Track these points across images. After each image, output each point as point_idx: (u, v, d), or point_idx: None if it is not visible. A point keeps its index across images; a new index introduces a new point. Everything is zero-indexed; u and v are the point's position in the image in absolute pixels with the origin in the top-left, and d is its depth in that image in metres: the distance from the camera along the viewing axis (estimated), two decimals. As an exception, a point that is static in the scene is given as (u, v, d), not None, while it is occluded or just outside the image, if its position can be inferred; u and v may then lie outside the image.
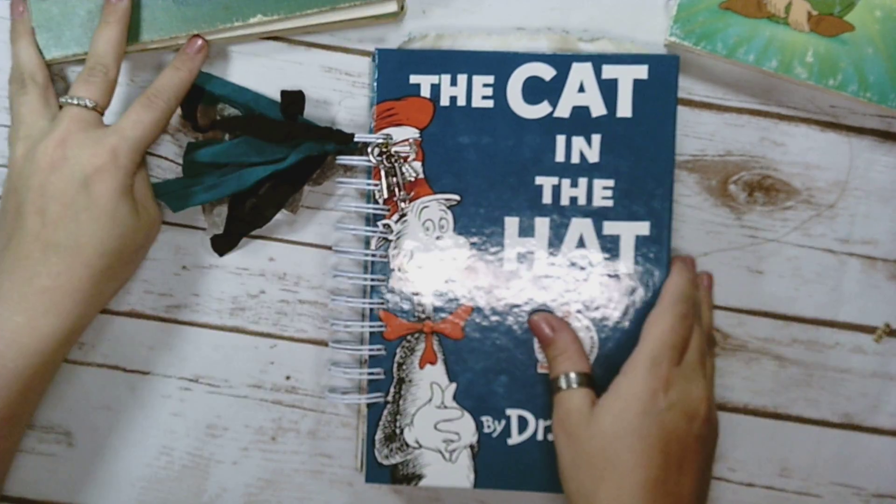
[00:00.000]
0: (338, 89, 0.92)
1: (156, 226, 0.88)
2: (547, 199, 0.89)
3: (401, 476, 0.90)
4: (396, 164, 0.88)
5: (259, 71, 0.92)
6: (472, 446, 0.90)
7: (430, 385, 0.90)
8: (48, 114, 0.85)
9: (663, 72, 0.88)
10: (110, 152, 0.81)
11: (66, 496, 0.92)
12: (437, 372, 0.90)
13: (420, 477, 0.90)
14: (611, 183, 0.88)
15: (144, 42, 0.89)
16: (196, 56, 0.88)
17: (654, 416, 0.80)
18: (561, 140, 0.89)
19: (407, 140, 0.89)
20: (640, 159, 0.88)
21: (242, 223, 0.89)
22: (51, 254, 0.80)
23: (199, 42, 0.88)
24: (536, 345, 0.89)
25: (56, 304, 0.80)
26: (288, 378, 0.93)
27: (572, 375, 0.85)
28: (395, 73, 0.89)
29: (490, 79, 0.89)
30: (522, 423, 0.90)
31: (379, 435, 0.90)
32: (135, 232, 0.84)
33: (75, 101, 0.83)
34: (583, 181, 0.89)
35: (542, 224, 0.89)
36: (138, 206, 0.84)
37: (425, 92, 0.89)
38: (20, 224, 0.82)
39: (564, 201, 0.89)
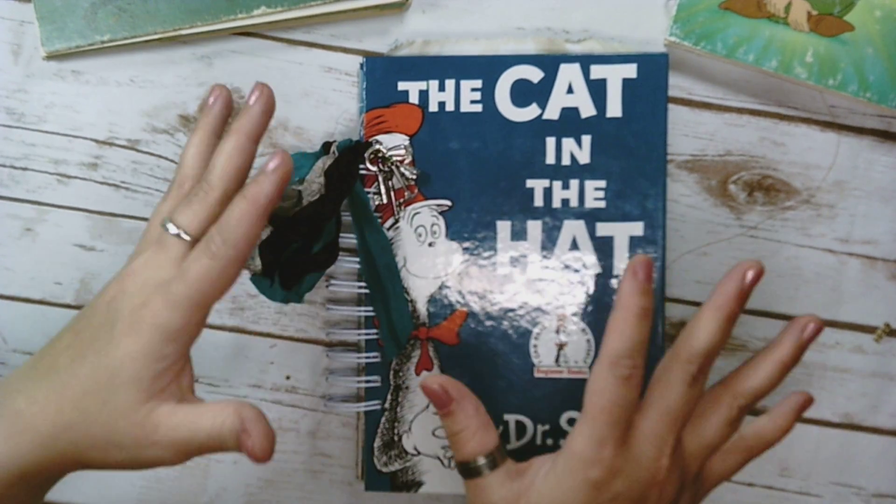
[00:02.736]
0: (337, 89, 0.92)
1: (151, 434, 0.69)
2: (538, 201, 0.89)
3: (400, 483, 0.91)
4: (394, 168, 0.89)
5: (259, 71, 0.92)
6: (470, 452, 0.90)
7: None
8: None
9: (653, 70, 0.88)
10: (152, 307, 0.68)
11: (66, 496, 0.93)
12: None
13: (420, 484, 0.91)
14: (602, 184, 0.88)
15: (147, 34, 0.90)
16: (270, 176, 0.69)
17: None
18: (551, 142, 0.88)
19: (401, 145, 0.89)
20: (632, 159, 0.88)
21: (313, 264, 0.86)
22: (46, 378, 0.70)
23: (278, 160, 0.69)
24: (533, 349, 0.89)
25: (15, 433, 0.69)
26: (288, 378, 0.93)
27: (482, 460, 0.77)
28: (382, 80, 0.89)
29: (478, 83, 0.89)
30: (520, 429, 0.90)
31: (377, 442, 0.91)
32: (122, 415, 0.69)
33: (169, 229, 0.71)
34: (574, 183, 0.88)
35: (534, 227, 0.89)
36: (155, 397, 0.69)
37: (414, 98, 0.89)
38: (64, 332, 0.73)
39: (556, 204, 0.88)
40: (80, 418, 0.68)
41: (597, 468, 0.72)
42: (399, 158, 0.88)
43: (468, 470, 0.78)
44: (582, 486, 0.73)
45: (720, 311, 0.74)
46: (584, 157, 0.88)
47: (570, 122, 0.88)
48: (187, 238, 0.70)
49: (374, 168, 0.88)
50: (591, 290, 0.89)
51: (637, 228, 0.88)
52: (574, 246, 0.88)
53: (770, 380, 0.76)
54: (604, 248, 0.89)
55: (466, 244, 0.89)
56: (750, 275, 0.74)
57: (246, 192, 0.69)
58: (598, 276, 0.89)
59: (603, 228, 0.88)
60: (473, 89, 0.89)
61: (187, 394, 0.72)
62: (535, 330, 0.89)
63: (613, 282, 0.88)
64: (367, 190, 0.89)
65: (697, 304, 0.90)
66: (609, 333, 0.73)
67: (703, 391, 0.76)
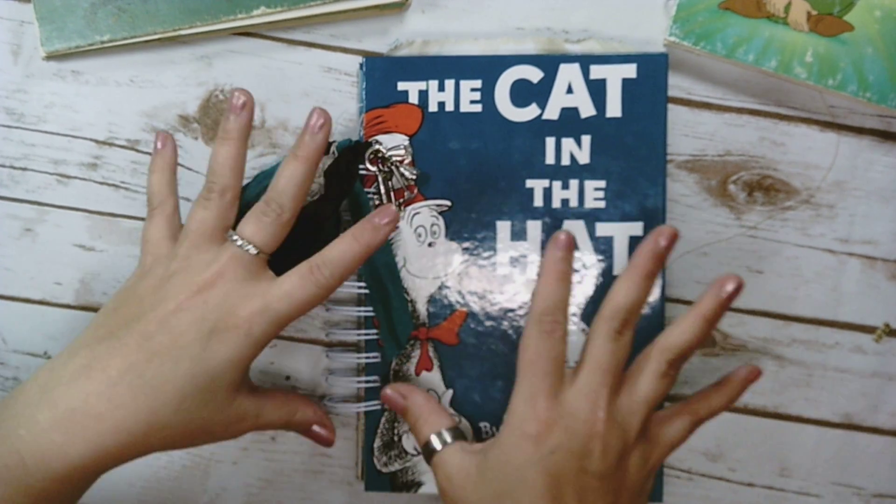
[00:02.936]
0: (337, 89, 0.92)
1: (235, 423, 0.80)
2: (538, 201, 0.89)
3: (400, 484, 0.91)
4: (393, 168, 0.88)
5: (259, 71, 0.92)
6: (470, 452, 0.90)
7: (426, 392, 0.90)
8: (171, 235, 0.81)
9: (652, 70, 0.88)
10: (247, 319, 0.75)
11: (66, 497, 0.93)
12: (433, 378, 0.90)
13: (420, 484, 0.91)
14: (602, 184, 0.88)
15: (146, 34, 0.90)
16: (383, 228, 0.79)
17: (536, 463, 0.75)
18: (550, 142, 0.88)
19: (401, 145, 0.89)
20: (632, 159, 0.88)
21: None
22: (125, 382, 0.73)
23: (390, 216, 0.79)
24: (533, 349, 0.89)
25: (98, 435, 0.72)
26: (288, 378, 0.93)
27: (435, 438, 0.83)
28: (382, 80, 0.89)
29: (478, 83, 0.88)
30: (520, 428, 0.90)
31: (377, 443, 0.91)
32: (218, 411, 0.77)
33: (238, 243, 0.77)
34: (574, 183, 0.88)
35: (534, 227, 0.89)
36: (240, 392, 0.79)
37: (413, 98, 0.89)
38: (121, 334, 0.75)
39: (556, 204, 0.88)
40: (177, 418, 0.74)
41: (532, 422, 0.76)
42: (399, 158, 0.88)
43: (427, 451, 0.83)
44: (521, 443, 0.76)
45: (636, 270, 0.78)
46: (583, 157, 0.88)
47: (569, 122, 0.88)
48: (262, 255, 0.78)
49: (373, 168, 0.88)
50: (591, 290, 0.89)
51: (637, 228, 0.88)
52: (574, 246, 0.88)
53: (693, 334, 0.78)
54: (604, 248, 0.88)
55: (466, 244, 0.89)
56: (662, 239, 0.78)
57: (359, 237, 0.78)
58: (597, 276, 0.89)
59: (603, 228, 0.88)
60: (473, 89, 0.88)
61: (248, 379, 0.82)
62: (535, 330, 0.89)
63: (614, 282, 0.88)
64: (366, 190, 0.89)
65: (697, 304, 0.90)
66: (534, 297, 0.78)
67: (629, 347, 0.78)
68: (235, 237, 0.78)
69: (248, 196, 0.87)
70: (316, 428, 0.86)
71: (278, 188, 0.78)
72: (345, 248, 0.78)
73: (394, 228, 0.79)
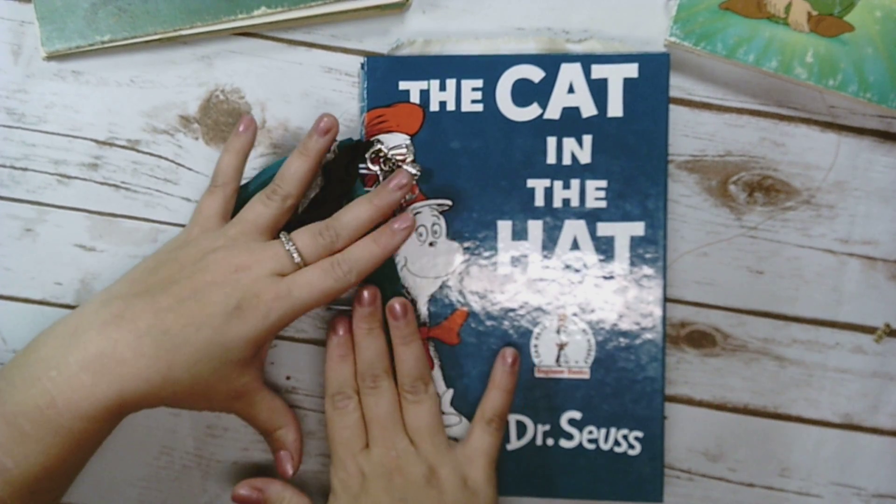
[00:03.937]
0: (338, 89, 0.92)
1: (233, 399, 0.85)
2: (539, 201, 0.88)
3: (398, 481, 0.91)
4: (395, 167, 0.88)
5: (259, 71, 0.92)
6: (470, 452, 0.90)
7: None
8: (224, 214, 0.87)
9: (654, 70, 0.88)
10: (267, 303, 0.80)
11: (65, 496, 0.92)
12: (434, 378, 0.90)
13: (418, 482, 0.90)
14: (603, 184, 0.88)
15: (147, 34, 0.89)
16: (401, 233, 0.86)
17: None
18: (552, 142, 0.88)
19: (402, 144, 0.89)
20: (633, 159, 0.88)
21: None
22: (151, 335, 0.79)
23: (408, 222, 0.86)
24: (533, 348, 0.89)
25: (121, 379, 0.77)
26: (288, 378, 0.93)
27: None
28: (384, 80, 0.89)
29: (479, 83, 0.88)
30: (521, 429, 0.90)
31: (376, 441, 0.90)
32: (223, 382, 0.82)
33: (288, 246, 0.83)
34: (575, 182, 0.88)
35: (535, 227, 0.89)
36: (248, 373, 0.84)
37: (415, 98, 0.89)
38: (156, 293, 0.81)
39: (557, 203, 0.88)
40: (188, 378, 0.79)
41: (347, 481, 0.87)
42: (400, 158, 0.88)
43: None
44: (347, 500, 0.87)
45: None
46: (585, 156, 0.88)
47: (571, 122, 0.88)
48: (301, 263, 0.83)
49: (375, 168, 0.88)
50: (592, 289, 0.89)
51: (638, 228, 0.88)
52: (575, 246, 0.88)
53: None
54: (605, 247, 0.88)
55: (467, 244, 0.89)
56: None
57: (379, 240, 0.84)
58: (599, 276, 0.88)
59: (604, 228, 0.88)
60: (474, 89, 0.88)
61: (261, 363, 0.88)
62: (536, 330, 0.89)
63: (614, 282, 0.88)
64: (367, 189, 0.89)
65: (697, 304, 0.90)
66: (325, 378, 0.90)
67: (391, 394, 0.88)
68: (287, 240, 0.83)
69: (249, 193, 0.87)
70: (282, 454, 0.89)
71: (343, 221, 0.85)
72: (365, 249, 0.84)
73: (411, 233, 0.85)
